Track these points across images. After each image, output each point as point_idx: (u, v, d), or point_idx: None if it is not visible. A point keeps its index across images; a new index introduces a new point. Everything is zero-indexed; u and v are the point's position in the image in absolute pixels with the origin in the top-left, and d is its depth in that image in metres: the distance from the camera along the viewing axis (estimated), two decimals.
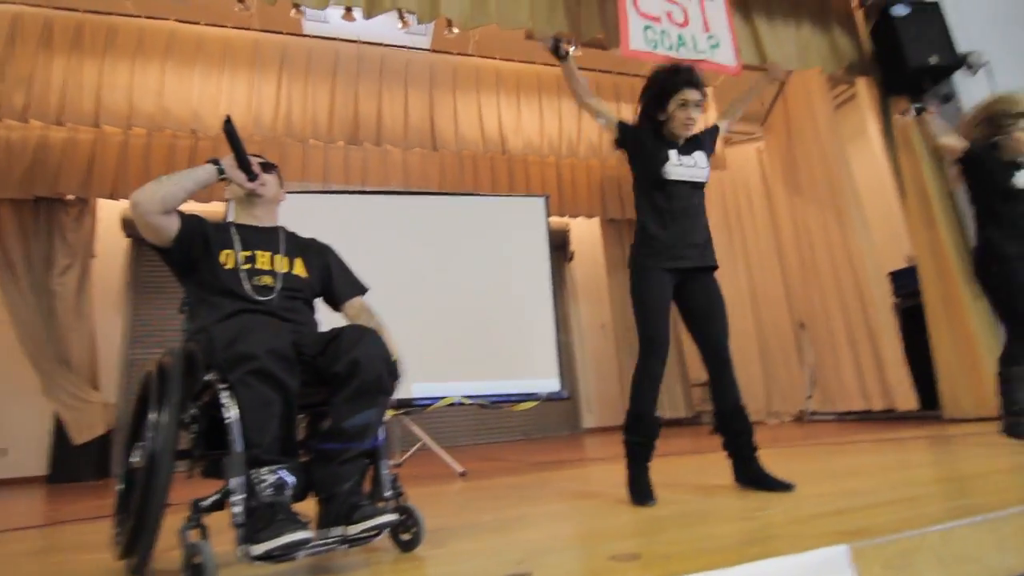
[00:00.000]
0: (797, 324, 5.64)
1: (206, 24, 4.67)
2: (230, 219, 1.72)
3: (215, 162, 1.56)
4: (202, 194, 4.72)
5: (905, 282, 4.49)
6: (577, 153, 5.62)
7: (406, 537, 1.36)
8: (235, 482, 1.15)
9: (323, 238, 1.81)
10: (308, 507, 1.25)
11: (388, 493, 1.36)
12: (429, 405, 3.39)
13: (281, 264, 1.61)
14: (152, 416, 1.26)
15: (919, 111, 2.50)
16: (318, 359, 1.36)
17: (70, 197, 4.91)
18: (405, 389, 3.43)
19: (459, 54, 5.29)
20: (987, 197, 2.59)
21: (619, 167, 6.14)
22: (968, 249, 3.58)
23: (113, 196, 4.83)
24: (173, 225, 1.50)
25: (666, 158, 1.92)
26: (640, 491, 1.75)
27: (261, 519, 1.12)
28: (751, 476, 1.81)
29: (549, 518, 1.74)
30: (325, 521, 1.25)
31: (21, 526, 2.39)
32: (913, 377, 4.14)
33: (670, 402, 6.22)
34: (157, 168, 4.82)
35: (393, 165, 5.62)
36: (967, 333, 3.59)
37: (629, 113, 2.20)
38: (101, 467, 4.78)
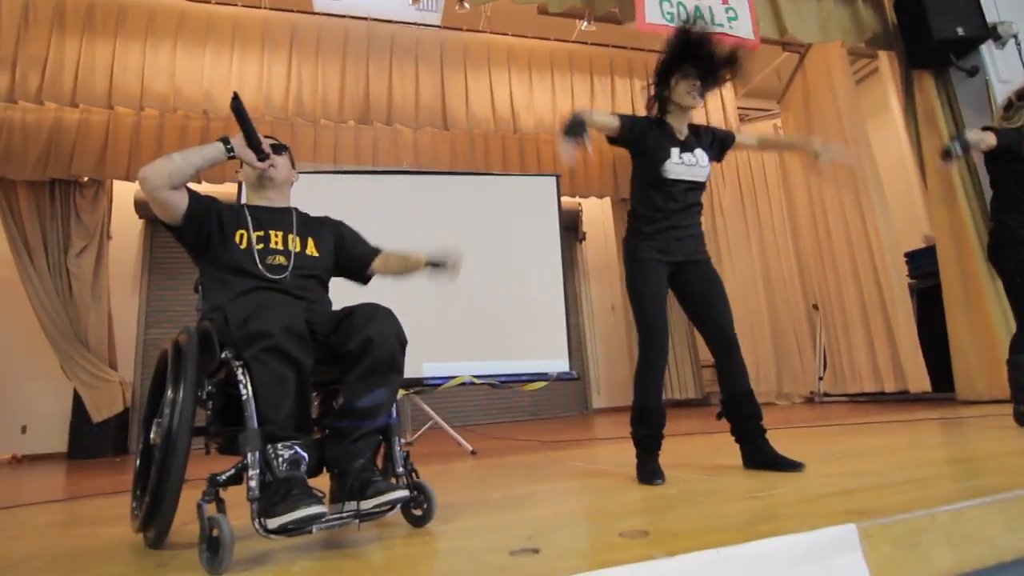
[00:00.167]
0: (810, 305, 5.59)
1: (216, 3, 4.64)
2: (243, 202, 1.73)
3: (225, 141, 1.56)
4: (215, 175, 4.76)
5: (921, 262, 4.42)
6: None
7: (418, 513, 1.38)
8: (251, 457, 1.18)
9: (334, 217, 1.82)
10: (322, 483, 1.28)
11: (400, 470, 1.38)
12: (440, 385, 3.42)
13: (294, 243, 1.62)
14: (169, 393, 1.28)
15: (963, 146, 2.41)
16: (331, 337, 1.37)
17: (85, 179, 4.96)
18: (416, 368, 3.47)
19: (470, 30, 5.22)
20: (1010, 182, 2.54)
21: None
22: None
23: (127, 177, 4.87)
24: (182, 202, 1.51)
25: (667, 155, 1.89)
26: (649, 471, 1.76)
27: (276, 493, 1.14)
28: (761, 459, 1.80)
29: (558, 496, 1.75)
30: (339, 496, 1.27)
31: (43, 500, 2.46)
32: (927, 359, 4.10)
33: (680, 383, 6.22)
34: (169, 149, 4.69)
35: (404, 144, 5.60)
36: (984, 314, 3.54)
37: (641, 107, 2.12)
38: (119, 444, 4.91)
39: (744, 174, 6.07)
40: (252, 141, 1.58)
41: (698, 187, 1.95)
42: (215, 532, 1.09)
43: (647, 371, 1.85)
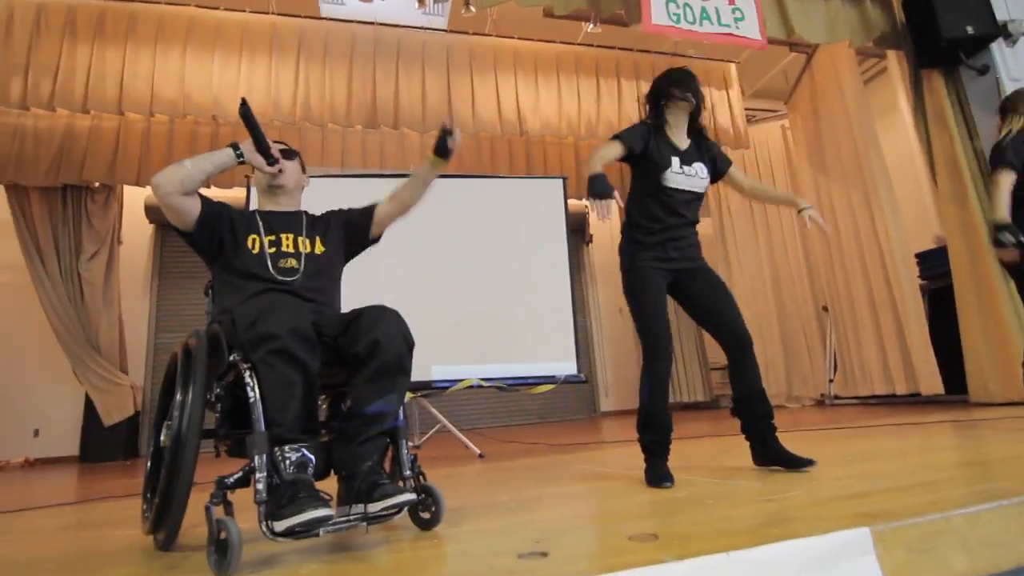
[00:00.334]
0: (820, 307, 5.54)
1: (225, 9, 4.68)
2: (253, 207, 1.75)
3: (235, 146, 1.58)
4: (224, 180, 4.79)
5: (933, 263, 4.37)
6: (596, 134, 5.55)
7: (426, 516, 1.38)
8: (258, 460, 1.18)
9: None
10: (330, 485, 1.28)
11: (408, 473, 1.38)
12: (447, 388, 3.42)
13: (304, 245, 1.63)
14: (178, 396, 1.28)
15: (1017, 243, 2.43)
16: (339, 339, 1.37)
17: (96, 184, 5.01)
18: (424, 371, 3.47)
19: (476, 34, 5.24)
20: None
21: None
22: None
23: (138, 183, 4.91)
24: (194, 208, 1.53)
25: (668, 164, 1.90)
26: (657, 475, 1.75)
27: (283, 496, 1.14)
28: (771, 455, 1.80)
29: (566, 499, 1.75)
30: (346, 499, 1.27)
31: (54, 503, 2.48)
32: (939, 361, 4.05)
33: (688, 385, 6.19)
34: (179, 155, 4.88)
35: (411, 148, 5.61)
36: (997, 315, 3.49)
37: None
38: (130, 447, 4.95)
39: (751, 175, 6.03)
40: (261, 146, 1.59)
41: (697, 198, 1.96)
42: (223, 534, 1.09)
43: (652, 379, 1.84)
